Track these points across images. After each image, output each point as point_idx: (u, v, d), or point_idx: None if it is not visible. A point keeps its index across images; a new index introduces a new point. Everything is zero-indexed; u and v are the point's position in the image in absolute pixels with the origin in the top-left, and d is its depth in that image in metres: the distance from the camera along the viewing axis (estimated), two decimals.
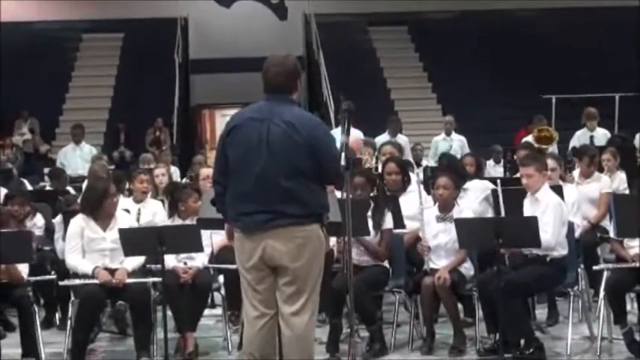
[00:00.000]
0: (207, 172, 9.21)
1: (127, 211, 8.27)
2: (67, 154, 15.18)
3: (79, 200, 8.67)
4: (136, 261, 7.43)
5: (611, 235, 7.47)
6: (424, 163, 14.57)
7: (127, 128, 18.77)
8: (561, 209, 7.27)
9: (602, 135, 14.31)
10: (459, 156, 11.63)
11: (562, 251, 7.29)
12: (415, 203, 8.46)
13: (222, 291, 7.92)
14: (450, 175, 7.98)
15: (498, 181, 8.19)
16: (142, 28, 21.35)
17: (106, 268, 7.28)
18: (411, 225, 8.16)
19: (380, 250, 7.59)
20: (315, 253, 5.34)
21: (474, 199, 8.70)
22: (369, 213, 7.63)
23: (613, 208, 7.21)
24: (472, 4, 21.70)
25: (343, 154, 5.25)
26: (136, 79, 20.23)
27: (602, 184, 9.45)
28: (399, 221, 8.00)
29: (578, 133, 14.57)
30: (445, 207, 7.72)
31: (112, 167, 13.25)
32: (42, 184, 13.14)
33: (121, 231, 7.15)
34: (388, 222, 7.68)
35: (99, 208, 7.45)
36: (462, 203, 7.99)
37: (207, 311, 8.15)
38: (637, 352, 7.07)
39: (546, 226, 7.09)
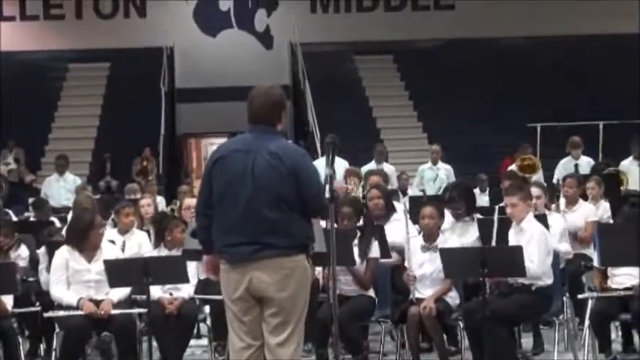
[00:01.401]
0: (190, 202, 9.22)
1: (112, 242, 8.26)
2: (51, 184, 15.15)
3: (63, 231, 8.65)
4: (122, 292, 7.41)
5: (595, 264, 7.50)
6: (410, 192, 14.58)
7: (113, 158, 18.73)
8: (545, 238, 7.30)
9: (586, 163, 14.39)
10: (444, 185, 11.66)
11: (547, 280, 7.31)
12: (400, 232, 8.48)
13: (208, 321, 7.91)
14: (436, 204, 8.00)
15: (497, 207, 8.07)
16: (128, 57, 21.35)
17: (91, 300, 7.26)
18: (395, 255, 8.17)
19: (365, 278, 7.60)
20: (301, 284, 5.35)
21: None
22: (356, 242, 7.65)
23: (597, 236, 7.23)
24: (457, 32, 21.81)
25: (327, 187, 5.27)
26: (122, 109, 20.21)
27: (588, 212, 9.49)
28: (384, 250, 8.01)
29: (563, 161, 14.64)
30: (430, 236, 7.74)
31: (97, 197, 13.19)
32: (26, 214, 13.08)
33: (107, 262, 7.15)
34: (374, 251, 7.69)
35: (84, 240, 7.44)
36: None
37: (192, 342, 8.16)
38: None
39: (532, 256, 7.11)
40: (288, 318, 5.32)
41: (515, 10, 21.79)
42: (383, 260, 7.96)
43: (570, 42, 21.41)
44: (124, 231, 9.07)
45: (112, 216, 9.50)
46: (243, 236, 5.28)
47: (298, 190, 5.28)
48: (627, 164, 14.06)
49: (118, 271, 7.11)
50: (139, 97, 20.13)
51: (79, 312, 7.16)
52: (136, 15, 22.63)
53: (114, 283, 7.18)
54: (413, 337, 7.52)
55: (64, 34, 22.02)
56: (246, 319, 5.37)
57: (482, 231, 8.08)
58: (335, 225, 7.46)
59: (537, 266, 7.13)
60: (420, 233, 7.96)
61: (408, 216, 8.19)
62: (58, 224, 10.34)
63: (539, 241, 7.21)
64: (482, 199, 14.11)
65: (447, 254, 7.26)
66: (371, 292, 7.65)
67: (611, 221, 9.12)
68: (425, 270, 7.65)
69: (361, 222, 7.95)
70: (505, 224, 7.59)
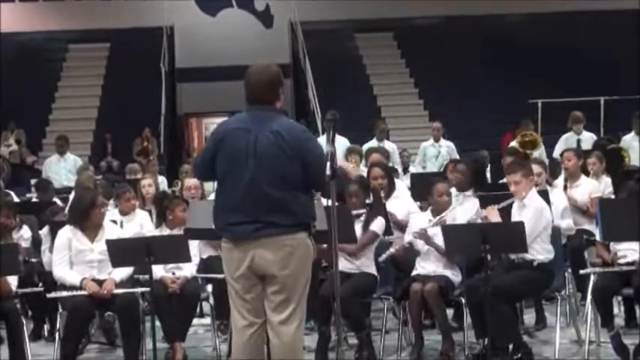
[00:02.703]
0: (192, 182, 9.22)
1: (114, 222, 8.27)
2: (52, 165, 15.13)
3: (65, 211, 8.67)
4: (124, 272, 7.43)
5: (597, 238, 7.51)
6: (412, 169, 14.59)
7: (114, 138, 18.75)
8: (541, 214, 7.29)
9: (588, 138, 14.38)
10: (446, 162, 11.67)
11: (548, 255, 7.32)
12: (400, 209, 8.51)
13: (211, 300, 7.92)
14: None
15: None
16: (128, 37, 21.35)
17: (94, 280, 7.28)
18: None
19: (356, 246, 7.56)
20: (303, 262, 5.36)
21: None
22: (362, 218, 7.66)
23: (599, 212, 7.23)
24: (458, 9, 21.76)
25: (328, 164, 5.27)
26: (123, 89, 20.21)
27: (592, 188, 9.49)
28: (387, 228, 8.02)
29: (565, 136, 14.63)
30: (439, 212, 7.75)
31: (99, 177, 13.20)
32: (28, 195, 13.10)
33: (109, 242, 7.15)
34: (375, 224, 7.70)
35: (87, 219, 7.45)
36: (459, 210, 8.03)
37: (195, 321, 8.18)
38: (624, 356, 7.10)
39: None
40: (290, 296, 5.33)
41: None
42: (387, 237, 7.98)
43: (570, 18, 21.36)
44: (125, 212, 9.08)
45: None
46: (245, 215, 5.29)
47: (301, 168, 5.29)
48: (629, 140, 14.06)
49: (120, 251, 7.12)
50: (139, 77, 20.12)
51: (82, 292, 7.18)
52: None
53: (116, 262, 7.19)
54: (415, 314, 7.54)
55: (63, 14, 21.98)
56: (249, 297, 5.38)
57: (484, 207, 8.08)
58: (343, 202, 7.56)
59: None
60: (422, 209, 7.98)
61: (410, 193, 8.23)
62: (60, 205, 10.36)
63: (534, 215, 7.21)
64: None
65: (449, 231, 7.27)
66: (373, 270, 7.65)
67: (613, 197, 9.11)
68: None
69: (370, 199, 7.95)
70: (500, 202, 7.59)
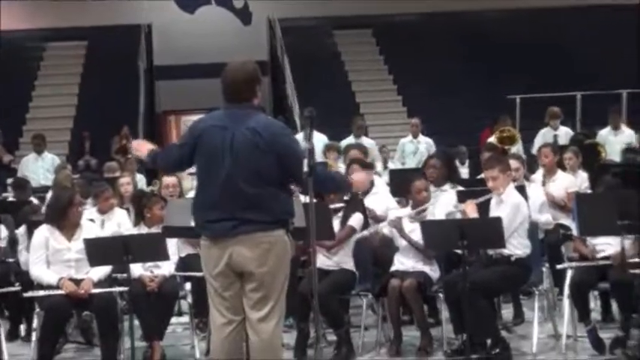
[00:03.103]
0: (170, 180, 9.20)
1: (92, 221, 8.24)
2: (29, 164, 15.02)
3: (42, 210, 8.62)
4: (102, 271, 7.40)
5: (574, 233, 7.54)
6: (390, 165, 14.61)
7: (92, 136, 18.65)
8: (518, 209, 7.32)
9: (565, 134, 14.45)
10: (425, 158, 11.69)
11: (526, 250, 7.35)
12: (379, 205, 8.54)
13: (189, 299, 7.90)
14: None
15: None
16: (106, 35, 21.25)
17: (72, 279, 7.25)
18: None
19: (333, 241, 7.57)
20: (281, 259, 5.37)
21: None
22: (340, 214, 7.67)
23: (575, 206, 7.27)
24: (436, 6, 21.78)
25: (306, 160, 5.27)
26: (101, 87, 20.11)
27: (568, 182, 9.54)
28: (365, 224, 8.03)
29: (542, 132, 14.70)
30: (419, 207, 7.77)
31: (76, 176, 13.13)
32: (4, 194, 13.01)
33: (87, 241, 7.12)
34: (353, 220, 7.71)
35: (64, 218, 7.42)
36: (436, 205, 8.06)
37: (174, 319, 8.16)
38: (601, 349, 7.15)
39: None
40: (268, 293, 5.33)
41: None
42: (364, 232, 7.99)
43: (547, 14, 21.43)
44: (103, 211, 9.05)
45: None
46: (223, 212, 5.30)
47: (279, 165, 5.29)
48: (605, 134, 14.14)
49: (98, 250, 7.09)
50: (117, 75, 20.04)
51: (60, 291, 7.14)
52: None
53: (94, 261, 7.17)
54: (394, 310, 7.57)
55: (40, 13, 21.85)
56: (227, 294, 5.38)
57: (462, 202, 8.11)
58: (321, 199, 7.57)
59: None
60: (402, 204, 8.00)
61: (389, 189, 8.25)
62: (37, 204, 10.30)
63: (510, 211, 7.24)
64: (462, 172, 14.16)
65: (427, 226, 7.29)
66: (351, 266, 7.66)
67: (589, 192, 9.16)
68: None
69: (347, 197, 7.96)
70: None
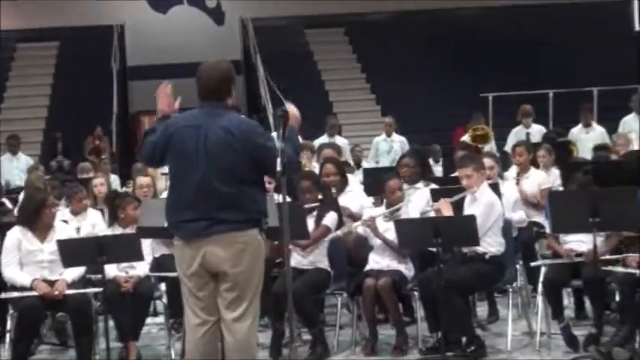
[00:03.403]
0: (144, 180, 9.17)
1: (65, 222, 8.20)
2: (4, 165, 14.96)
3: (14, 212, 8.57)
4: (76, 272, 7.37)
5: (547, 230, 7.59)
6: (364, 164, 14.64)
7: (65, 137, 18.53)
8: (492, 207, 7.35)
9: (537, 131, 14.54)
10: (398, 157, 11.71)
11: (500, 248, 7.39)
12: (354, 204, 8.55)
13: (164, 299, 7.88)
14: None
15: None
16: (78, 36, 21.14)
17: (45, 280, 7.22)
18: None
19: (307, 241, 7.59)
20: (255, 258, 5.36)
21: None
22: (315, 212, 7.68)
23: (548, 204, 7.32)
24: (408, 4, 21.83)
25: (279, 160, 5.28)
26: (73, 88, 20.01)
27: (541, 180, 9.60)
28: (339, 223, 8.04)
29: (515, 130, 14.79)
30: (393, 206, 7.79)
31: (48, 177, 13.06)
32: None
33: (60, 242, 7.09)
34: (327, 219, 7.72)
35: (37, 219, 7.38)
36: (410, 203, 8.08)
37: (149, 320, 8.13)
38: (574, 346, 7.19)
39: None
40: (243, 293, 5.33)
41: None
42: (338, 232, 8.00)
43: (519, 12, 21.54)
44: (77, 212, 9.01)
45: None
46: (196, 212, 5.29)
47: (252, 164, 5.29)
48: (576, 132, 14.26)
49: (71, 251, 7.07)
50: (89, 75, 19.94)
51: (33, 293, 7.11)
52: None
53: (68, 262, 7.14)
54: (369, 309, 7.58)
55: (11, 14, 21.67)
56: (202, 294, 5.37)
57: (436, 201, 8.13)
58: (295, 199, 7.58)
59: None
60: (376, 204, 8.02)
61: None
62: (9, 205, 10.24)
63: (484, 210, 7.27)
64: (436, 170, 14.21)
65: (401, 225, 7.31)
66: (326, 265, 7.67)
67: (562, 189, 9.21)
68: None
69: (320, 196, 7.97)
70: (452, 195, 7.65)
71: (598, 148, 11.63)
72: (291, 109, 5.57)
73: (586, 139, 13.80)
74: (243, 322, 5.35)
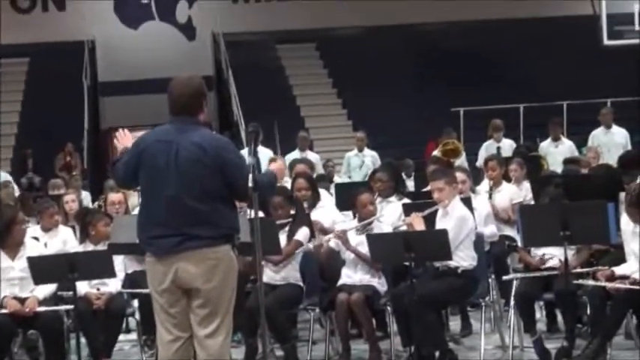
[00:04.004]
0: (116, 197, 9.14)
1: (36, 239, 8.15)
2: None
3: None
4: (47, 289, 7.33)
5: (519, 244, 7.62)
6: (337, 179, 14.64)
7: (36, 154, 18.46)
8: (464, 221, 7.38)
9: (508, 145, 14.63)
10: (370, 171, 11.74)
11: (472, 262, 7.41)
12: (326, 219, 8.56)
13: (137, 316, 7.84)
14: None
15: None
16: (48, 52, 21.04)
17: (16, 297, 7.17)
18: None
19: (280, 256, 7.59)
20: (228, 274, 5.35)
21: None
22: (287, 228, 7.68)
23: (519, 218, 7.35)
24: (379, 19, 21.92)
25: (251, 176, 5.28)
26: (44, 104, 19.90)
27: (513, 193, 9.64)
28: (311, 238, 8.04)
29: (486, 144, 14.87)
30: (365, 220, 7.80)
31: (17, 194, 12.97)
32: None
33: (30, 259, 7.05)
34: (300, 234, 7.73)
35: (7, 236, 7.34)
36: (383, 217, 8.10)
37: (122, 336, 8.10)
38: (546, 359, 7.22)
39: None
40: (215, 309, 5.31)
41: None
42: (310, 245, 8.00)
43: (490, 27, 21.67)
44: (47, 229, 8.94)
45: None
46: (168, 228, 5.27)
47: (223, 180, 5.28)
48: (546, 146, 14.35)
49: (42, 268, 7.02)
50: (60, 91, 19.86)
51: (3, 310, 7.06)
52: (55, 8, 22.32)
53: (39, 279, 7.09)
54: (342, 324, 7.57)
55: None
56: (174, 311, 5.35)
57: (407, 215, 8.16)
58: (267, 214, 7.58)
59: None
60: (349, 218, 8.03)
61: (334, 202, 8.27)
62: None
63: (456, 224, 7.30)
64: (408, 184, 14.24)
65: (373, 239, 7.32)
66: (298, 280, 7.67)
67: (533, 202, 9.26)
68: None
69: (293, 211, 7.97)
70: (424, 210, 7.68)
71: (568, 162, 11.71)
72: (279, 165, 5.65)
73: (556, 152, 13.90)
74: (216, 338, 5.33)
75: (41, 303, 7.20)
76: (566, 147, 14.26)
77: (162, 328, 5.40)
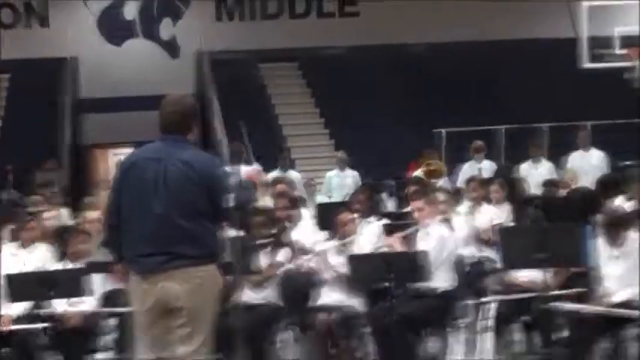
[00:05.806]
0: (94, 215, 9.09)
1: (15, 255, 8.11)
2: None
3: None
4: (23, 307, 7.27)
5: (498, 266, 7.63)
6: (318, 198, 14.63)
7: (16, 170, 18.36)
8: (444, 242, 7.39)
9: (488, 167, 14.65)
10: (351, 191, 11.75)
11: (452, 283, 7.41)
12: (306, 238, 8.56)
13: (114, 334, 7.79)
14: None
15: None
16: (30, 68, 20.97)
17: None
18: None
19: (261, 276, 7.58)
20: (211, 294, 5.34)
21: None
22: (268, 248, 7.67)
23: (500, 239, 7.36)
24: (361, 39, 21.97)
25: (233, 195, 5.27)
26: (24, 120, 19.81)
27: (493, 215, 9.65)
28: (292, 257, 8.03)
29: (466, 165, 14.87)
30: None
31: None
32: None
33: (7, 277, 7.01)
34: (280, 254, 7.72)
35: None
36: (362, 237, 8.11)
37: (98, 355, 8.02)
38: None
39: None
40: (197, 328, 5.29)
41: (419, 16, 22.09)
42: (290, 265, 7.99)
43: (471, 48, 21.75)
44: (27, 244, 8.87)
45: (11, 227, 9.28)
46: (154, 246, 5.24)
47: (210, 199, 5.27)
48: (527, 168, 14.37)
49: (19, 285, 6.99)
50: (41, 108, 19.81)
51: None
52: (37, 25, 22.24)
53: (15, 297, 7.05)
54: (321, 344, 7.55)
55: None
56: (155, 330, 5.32)
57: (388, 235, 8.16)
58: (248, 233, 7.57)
59: None
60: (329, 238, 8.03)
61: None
62: None
63: (436, 245, 7.31)
64: (389, 205, 14.25)
65: (353, 260, 7.32)
66: (278, 300, 7.65)
67: (512, 224, 9.28)
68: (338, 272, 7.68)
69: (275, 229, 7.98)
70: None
71: (547, 184, 11.75)
72: (253, 168, 5.61)
73: (535, 174, 13.91)
74: (196, 357, 5.30)
75: (16, 321, 7.15)
76: (545, 168, 14.30)
77: (143, 347, 5.37)
